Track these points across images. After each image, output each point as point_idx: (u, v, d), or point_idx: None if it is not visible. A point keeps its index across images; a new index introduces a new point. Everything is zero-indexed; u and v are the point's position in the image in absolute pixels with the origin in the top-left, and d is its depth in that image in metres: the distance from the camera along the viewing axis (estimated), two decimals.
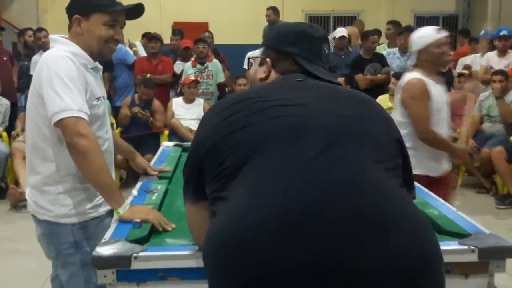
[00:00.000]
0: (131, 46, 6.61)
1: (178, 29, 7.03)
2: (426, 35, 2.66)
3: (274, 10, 6.71)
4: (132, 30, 7.21)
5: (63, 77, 1.72)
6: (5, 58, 5.98)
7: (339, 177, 1.06)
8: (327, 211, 1.01)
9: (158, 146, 3.45)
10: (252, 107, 1.21)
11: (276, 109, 1.19)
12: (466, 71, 5.89)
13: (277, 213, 1.01)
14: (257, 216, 1.03)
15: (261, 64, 1.46)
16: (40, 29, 6.36)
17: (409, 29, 5.74)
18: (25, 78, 5.91)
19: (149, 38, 6.20)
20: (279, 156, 1.11)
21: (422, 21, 11.66)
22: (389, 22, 6.95)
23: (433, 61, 2.67)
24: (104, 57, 1.91)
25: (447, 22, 11.65)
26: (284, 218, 1.00)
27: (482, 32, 6.48)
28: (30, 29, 6.61)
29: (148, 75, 5.80)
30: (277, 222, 1.00)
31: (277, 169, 1.09)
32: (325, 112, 1.19)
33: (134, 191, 2.02)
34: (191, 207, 1.32)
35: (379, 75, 5.94)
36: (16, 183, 4.87)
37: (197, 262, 1.37)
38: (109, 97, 5.75)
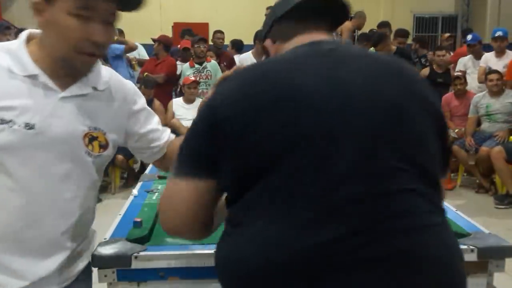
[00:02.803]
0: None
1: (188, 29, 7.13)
2: None
3: None
4: (132, 31, 7.26)
5: None
6: None
7: (375, 209, 0.93)
8: (358, 250, 0.91)
9: None
10: (280, 88, 0.98)
11: (309, 102, 0.96)
12: (460, 73, 5.95)
13: (302, 251, 0.91)
14: (288, 248, 0.92)
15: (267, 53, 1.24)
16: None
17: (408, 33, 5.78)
18: None
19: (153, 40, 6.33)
20: (309, 169, 0.94)
21: (421, 21, 11.69)
22: (380, 25, 6.93)
23: None
24: (79, 71, 1.22)
25: (446, 22, 11.68)
26: (308, 261, 0.91)
27: (470, 37, 6.39)
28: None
29: (146, 74, 5.86)
30: (302, 263, 0.92)
31: (305, 187, 0.93)
32: (367, 104, 0.97)
33: (135, 191, 2.03)
34: (186, 182, 1.03)
35: None
36: None
37: (198, 262, 1.37)
38: None
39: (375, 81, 1.01)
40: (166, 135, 1.48)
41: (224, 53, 6.73)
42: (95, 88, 1.26)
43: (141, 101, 1.40)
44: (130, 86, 1.40)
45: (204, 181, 1.03)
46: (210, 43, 6.87)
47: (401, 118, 0.99)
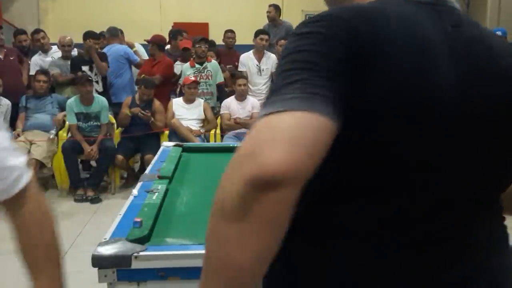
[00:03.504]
0: (131, 46, 6.65)
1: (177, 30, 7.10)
2: None
3: (275, 7, 6.83)
4: (132, 31, 7.26)
5: None
6: (11, 58, 5.82)
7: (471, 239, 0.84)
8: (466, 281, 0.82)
9: (158, 146, 3.47)
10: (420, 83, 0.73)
11: (440, 119, 0.75)
12: None
13: None
14: None
15: None
16: (37, 31, 6.36)
17: None
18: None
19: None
20: (417, 207, 0.79)
21: None
22: None
23: None
24: None
25: None
26: None
27: None
28: (24, 33, 6.56)
29: (143, 76, 5.86)
30: None
31: (409, 226, 0.79)
32: (480, 131, 0.79)
33: (135, 191, 2.03)
34: (305, 115, 0.63)
35: None
36: None
37: (198, 262, 1.37)
38: (107, 94, 5.78)
39: (492, 91, 0.80)
40: (14, 176, 0.97)
41: (236, 53, 6.71)
42: None
43: None
44: None
45: (330, 120, 0.64)
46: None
47: (503, 149, 0.83)
